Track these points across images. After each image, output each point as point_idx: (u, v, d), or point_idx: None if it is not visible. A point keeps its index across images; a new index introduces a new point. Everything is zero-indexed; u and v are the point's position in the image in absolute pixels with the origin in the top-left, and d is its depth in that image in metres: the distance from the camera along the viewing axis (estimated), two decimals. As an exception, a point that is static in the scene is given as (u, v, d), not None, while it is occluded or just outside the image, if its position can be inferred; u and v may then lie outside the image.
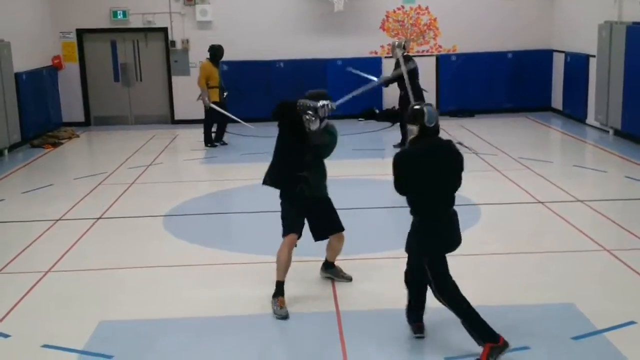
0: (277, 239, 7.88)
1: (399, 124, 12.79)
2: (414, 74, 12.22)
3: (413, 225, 5.22)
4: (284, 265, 5.90)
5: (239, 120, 13.11)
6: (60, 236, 7.94)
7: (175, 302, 6.11)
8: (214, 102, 12.74)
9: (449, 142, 5.07)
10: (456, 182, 5.10)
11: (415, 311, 5.37)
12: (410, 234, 5.25)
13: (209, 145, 13.07)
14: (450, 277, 5.09)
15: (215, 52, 12.91)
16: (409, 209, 5.21)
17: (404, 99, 12.32)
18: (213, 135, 13.16)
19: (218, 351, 5.23)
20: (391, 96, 15.14)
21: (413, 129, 4.99)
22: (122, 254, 7.36)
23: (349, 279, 6.45)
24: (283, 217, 6.03)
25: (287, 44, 15.16)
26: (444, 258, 5.12)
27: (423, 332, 5.31)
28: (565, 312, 5.63)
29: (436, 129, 4.99)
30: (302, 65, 15.46)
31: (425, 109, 4.94)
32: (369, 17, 15.70)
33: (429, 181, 4.99)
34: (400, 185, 5.08)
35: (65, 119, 15.51)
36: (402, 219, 8.81)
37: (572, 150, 12.38)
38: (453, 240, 5.19)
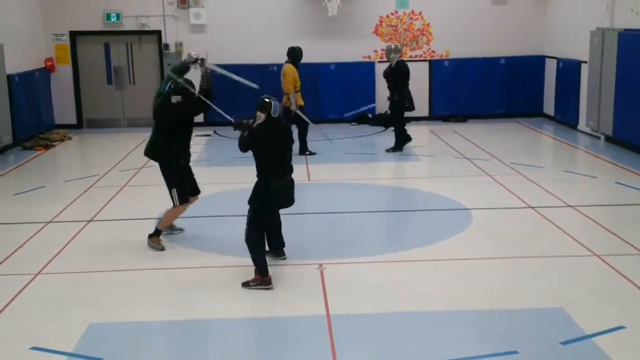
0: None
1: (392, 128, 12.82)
2: (405, 78, 12.30)
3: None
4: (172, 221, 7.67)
5: (309, 121, 12.03)
6: (51, 238, 7.92)
7: (165, 304, 6.10)
8: (299, 107, 11.93)
9: (286, 124, 6.73)
10: (289, 153, 6.59)
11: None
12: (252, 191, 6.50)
13: (307, 153, 12.25)
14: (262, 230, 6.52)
15: (298, 54, 12.07)
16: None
17: (395, 103, 12.38)
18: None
19: (207, 354, 5.23)
20: (384, 101, 15.21)
21: (261, 116, 6.32)
22: (112, 256, 7.35)
23: (181, 230, 7.93)
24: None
25: (280, 48, 15.07)
26: (269, 212, 6.59)
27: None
28: (554, 317, 5.65)
29: (279, 117, 6.47)
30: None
31: (273, 102, 6.35)
32: (363, 22, 15.75)
33: (270, 152, 6.37)
34: (245, 149, 6.47)
35: (58, 121, 15.49)
36: (393, 223, 8.87)
37: (563, 156, 12.43)
38: (285, 200, 6.58)
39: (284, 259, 6.96)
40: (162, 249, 7.40)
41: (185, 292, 6.37)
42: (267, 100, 6.36)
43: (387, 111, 14.31)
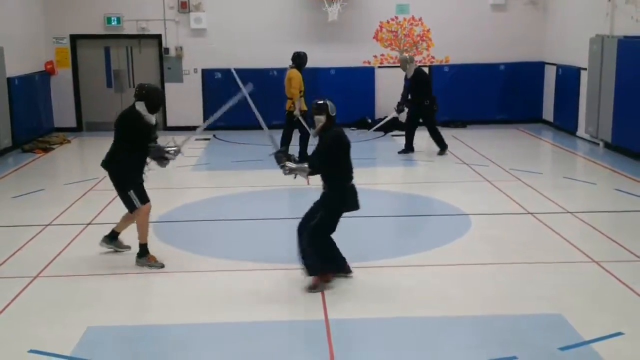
0: (266, 246, 7.90)
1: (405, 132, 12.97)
2: (427, 84, 12.63)
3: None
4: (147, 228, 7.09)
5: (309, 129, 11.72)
6: (50, 241, 7.91)
7: (163, 308, 6.10)
8: (302, 112, 11.83)
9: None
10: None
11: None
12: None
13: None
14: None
15: (303, 59, 12.05)
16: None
17: (426, 108, 12.47)
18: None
19: (205, 358, 5.22)
20: (383, 106, 15.24)
21: (321, 119, 6.27)
22: (111, 260, 7.34)
23: (128, 248, 7.38)
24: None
25: (281, 52, 15.14)
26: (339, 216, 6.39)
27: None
28: (553, 323, 5.64)
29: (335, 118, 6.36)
30: (295, 74, 15.48)
31: (327, 102, 6.30)
32: (363, 27, 15.78)
33: (344, 155, 6.34)
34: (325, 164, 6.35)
35: (57, 124, 15.50)
36: (393, 228, 8.86)
37: (562, 162, 12.44)
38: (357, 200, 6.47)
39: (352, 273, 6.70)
40: (162, 265, 7.02)
41: (184, 296, 6.37)
42: (321, 101, 6.31)
43: (386, 116, 14.36)
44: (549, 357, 5.07)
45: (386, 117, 14.20)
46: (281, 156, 6.33)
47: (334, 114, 6.30)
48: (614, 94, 12.39)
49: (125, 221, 7.35)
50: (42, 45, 15.31)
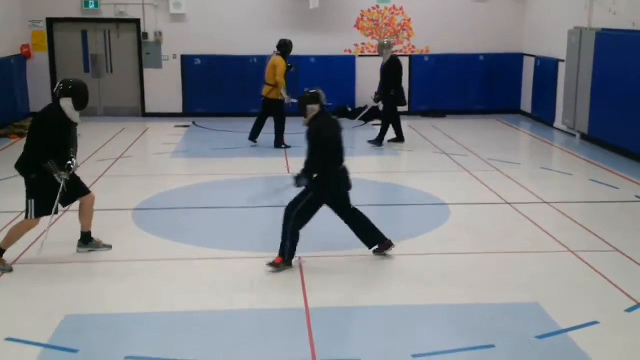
0: (246, 234, 7.89)
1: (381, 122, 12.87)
2: (398, 73, 12.38)
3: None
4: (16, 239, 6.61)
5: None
6: (26, 227, 7.81)
7: (141, 296, 6.07)
8: (282, 99, 11.89)
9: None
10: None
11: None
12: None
13: (283, 146, 12.07)
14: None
15: (289, 47, 12.10)
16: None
17: (391, 98, 12.40)
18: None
19: (184, 347, 5.21)
20: (363, 94, 15.24)
21: (315, 108, 6.39)
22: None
23: (109, 247, 7.02)
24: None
25: (261, 39, 15.09)
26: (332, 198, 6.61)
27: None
28: (529, 312, 5.72)
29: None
30: (275, 61, 15.44)
31: (319, 91, 6.43)
32: (344, 15, 15.74)
33: (335, 140, 6.50)
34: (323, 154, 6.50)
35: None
36: (372, 217, 8.88)
37: (539, 153, 12.56)
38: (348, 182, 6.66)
39: (393, 246, 6.88)
40: (10, 269, 6.49)
41: (163, 283, 6.34)
42: (314, 90, 6.46)
43: (365, 105, 14.37)
44: (527, 345, 5.14)
45: (366, 106, 14.21)
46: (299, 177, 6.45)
47: (325, 103, 6.46)
48: (591, 86, 12.51)
49: (84, 218, 6.97)
50: (17, 28, 15.05)
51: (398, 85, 12.41)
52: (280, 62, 11.89)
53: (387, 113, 12.60)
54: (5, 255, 6.67)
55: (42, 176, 6.49)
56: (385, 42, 12.54)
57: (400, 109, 12.79)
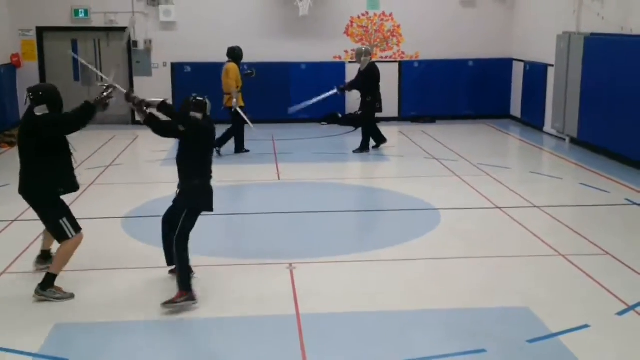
0: (235, 241, 7.88)
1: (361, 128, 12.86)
2: (376, 80, 12.36)
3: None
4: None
5: (250, 123, 12.04)
6: (16, 237, 7.79)
7: (131, 304, 6.04)
8: (240, 107, 11.93)
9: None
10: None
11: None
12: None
13: (244, 151, 12.29)
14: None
15: (239, 53, 12.17)
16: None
17: (368, 105, 12.41)
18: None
19: (174, 355, 5.19)
20: (354, 101, 15.26)
21: (197, 116, 5.96)
22: (79, 255, 7.22)
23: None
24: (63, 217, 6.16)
25: (251, 46, 15.07)
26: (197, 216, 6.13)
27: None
28: (520, 316, 5.73)
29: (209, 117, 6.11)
30: (266, 68, 15.40)
31: (207, 101, 6.03)
32: (334, 22, 15.78)
33: (209, 150, 6.17)
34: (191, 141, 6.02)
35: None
36: (363, 223, 8.88)
37: (529, 157, 12.61)
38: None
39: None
40: (72, 296, 6.20)
41: (153, 292, 6.31)
42: (201, 99, 6.03)
43: (357, 111, 14.40)
44: (518, 350, 5.15)
45: (357, 111, 14.24)
46: None
47: (209, 114, 6.04)
48: (580, 91, 12.57)
49: (50, 238, 6.60)
50: (7, 38, 15.01)
51: (375, 92, 12.41)
52: (232, 67, 11.97)
53: (366, 120, 12.61)
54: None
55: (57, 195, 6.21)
56: (364, 49, 12.55)
57: (385, 114, 12.82)
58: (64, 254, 6.17)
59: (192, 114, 5.96)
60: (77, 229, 6.21)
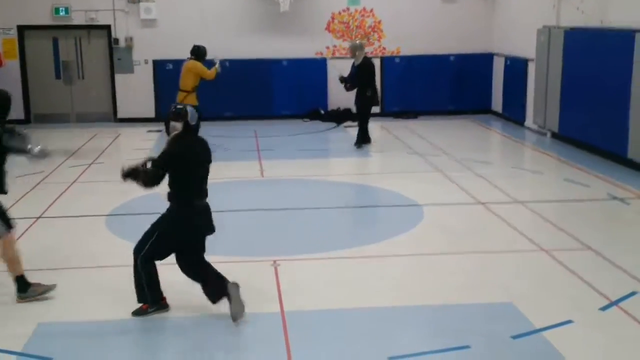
0: (220, 238, 7.85)
1: (358, 122, 12.83)
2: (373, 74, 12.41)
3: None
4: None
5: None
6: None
7: (116, 303, 6.01)
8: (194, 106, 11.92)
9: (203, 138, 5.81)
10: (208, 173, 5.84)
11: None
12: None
13: None
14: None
15: (202, 52, 12.04)
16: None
17: (367, 99, 12.39)
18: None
19: (159, 354, 5.18)
20: (336, 97, 15.28)
21: (177, 126, 5.55)
22: (62, 254, 7.22)
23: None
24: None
25: (233, 43, 15.08)
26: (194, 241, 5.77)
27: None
28: (504, 311, 5.76)
29: (197, 127, 5.74)
30: (248, 65, 15.43)
31: (188, 108, 5.59)
32: (315, 18, 15.77)
33: (194, 169, 5.69)
34: (157, 180, 5.70)
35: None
36: (346, 219, 8.90)
37: (511, 152, 12.69)
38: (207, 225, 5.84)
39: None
40: (54, 286, 6.10)
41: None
42: (181, 106, 5.62)
43: (339, 107, 14.41)
44: (502, 346, 5.18)
45: (338, 107, 14.26)
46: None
47: (193, 123, 5.60)
48: (560, 85, 12.66)
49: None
50: (-13, 36, 14.88)
51: (373, 86, 12.47)
52: (197, 64, 11.82)
53: (362, 113, 12.63)
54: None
55: None
56: (358, 43, 12.63)
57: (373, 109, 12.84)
58: (8, 259, 5.99)
59: (172, 123, 5.58)
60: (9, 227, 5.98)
